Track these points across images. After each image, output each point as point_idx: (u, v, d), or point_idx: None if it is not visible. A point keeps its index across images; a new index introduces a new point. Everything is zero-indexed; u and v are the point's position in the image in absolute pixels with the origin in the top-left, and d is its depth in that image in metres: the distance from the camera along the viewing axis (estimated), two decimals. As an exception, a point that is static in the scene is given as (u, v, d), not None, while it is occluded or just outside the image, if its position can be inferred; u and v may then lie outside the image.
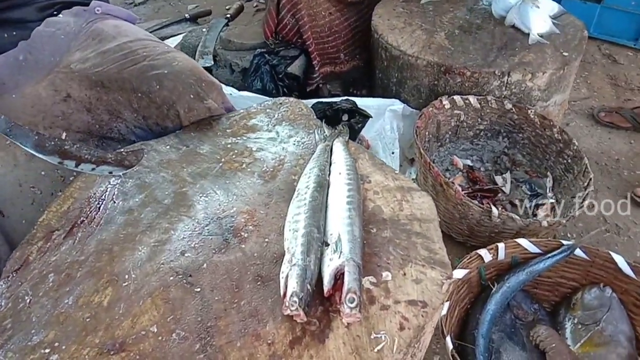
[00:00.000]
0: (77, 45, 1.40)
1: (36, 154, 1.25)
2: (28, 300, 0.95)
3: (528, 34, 2.11)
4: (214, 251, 1.00)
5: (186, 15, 2.95)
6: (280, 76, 2.14)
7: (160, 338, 0.86)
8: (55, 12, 1.43)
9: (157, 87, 1.32)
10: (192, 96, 1.33)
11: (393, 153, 1.98)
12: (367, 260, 0.95)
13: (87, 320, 0.90)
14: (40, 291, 0.96)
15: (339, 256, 0.91)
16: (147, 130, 1.40)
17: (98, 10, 1.47)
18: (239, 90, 2.11)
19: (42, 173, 1.33)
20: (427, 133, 1.93)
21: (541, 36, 2.10)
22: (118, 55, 1.37)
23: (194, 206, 1.10)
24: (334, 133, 1.29)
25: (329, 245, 0.95)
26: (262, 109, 1.41)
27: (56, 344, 0.87)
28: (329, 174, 1.12)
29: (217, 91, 1.40)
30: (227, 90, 2.09)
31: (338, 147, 1.21)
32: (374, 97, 2.22)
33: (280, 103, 1.42)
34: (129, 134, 1.41)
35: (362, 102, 2.05)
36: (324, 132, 1.30)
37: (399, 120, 2.06)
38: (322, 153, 1.19)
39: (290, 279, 0.86)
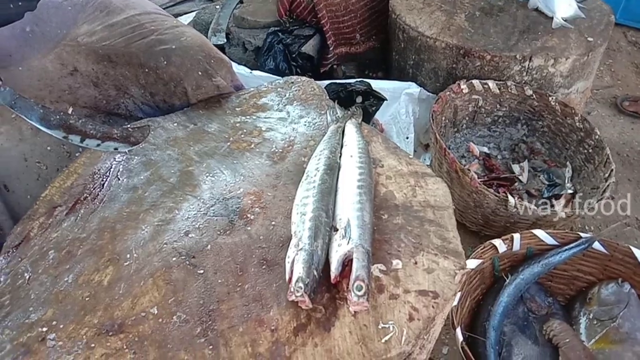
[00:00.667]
0: (84, 18, 1.36)
1: (41, 128, 1.22)
2: (27, 277, 0.93)
3: (552, 18, 2.03)
4: (218, 232, 0.96)
5: (199, -7, 2.89)
6: (294, 56, 2.09)
7: (160, 320, 0.83)
8: None
9: (165, 62, 1.28)
10: (200, 73, 1.29)
11: (407, 138, 1.93)
12: (376, 247, 0.91)
13: (87, 299, 0.88)
14: (40, 268, 0.94)
15: (348, 242, 0.87)
16: (154, 107, 1.36)
17: None
18: (252, 69, 2.06)
19: (48, 148, 1.31)
20: (443, 118, 1.87)
21: (565, 20, 2.02)
22: (126, 28, 1.33)
23: (199, 186, 1.07)
24: (347, 114, 1.24)
25: (337, 230, 0.91)
26: (273, 87, 1.37)
27: (54, 323, 0.85)
28: (340, 157, 1.07)
29: (226, 68, 1.35)
30: (239, 69, 2.05)
31: (350, 129, 1.17)
32: (389, 79, 2.16)
33: (292, 82, 1.38)
34: (136, 110, 1.37)
35: (377, 85, 1.99)
36: (337, 113, 1.25)
37: (414, 104, 2.00)
38: (333, 135, 1.14)
39: (297, 264, 0.83)
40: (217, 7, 2.37)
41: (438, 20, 2.04)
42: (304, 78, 1.40)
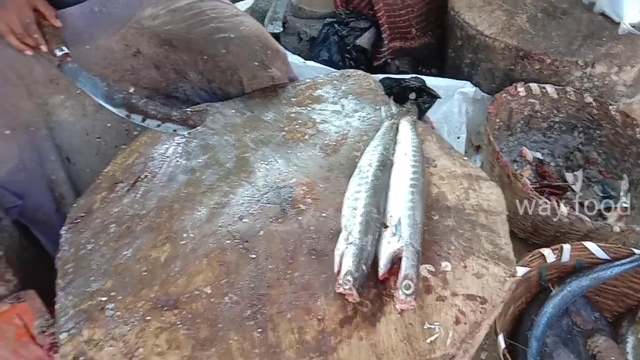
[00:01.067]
0: (148, 1, 1.40)
1: (105, 105, 1.27)
2: (89, 248, 0.98)
3: (618, 23, 1.95)
4: (271, 220, 0.99)
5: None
6: (348, 48, 2.09)
7: (212, 300, 0.86)
8: None
9: (223, 51, 1.31)
10: (256, 63, 1.31)
11: (459, 138, 1.90)
12: (426, 247, 0.91)
13: (144, 274, 0.92)
14: (101, 240, 0.99)
15: (398, 240, 0.88)
16: (211, 94, 1.40)
17: None
18: (305, 59, 2.07)
19: (109, 125, 1.36)
20: (497, 120, 1.83)
21: (633, 26, 1.93)
22: (187, 14, 1.36)
23: (254, 172, 1.10)
24: (402, 111, 1.24)
25: (387, 227, 0.92)
26: (328, 79, 1.38)
27: (113, 294, 0.89)
28: (394, 154, 1.08)
29: (282, 60, 1.37)
30: (294, 58, 2.06)
31: (405, 126, 1.17)
32: (443, 77, 2.13)
33: (348, 75, 1.38)
34: (194, 95, 1.41)
35: (431, 82, 1.97)
36: (391, 109, 1.25)
37: (468, 104, 1.97)
38: (387, 131, 1.14)
39: (346, 257, 0.84)
40: (275, -5, 2.39)
41: (498, 19, 2.00)
42: (360, 72, 1.40)
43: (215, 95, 1.39)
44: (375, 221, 0.91)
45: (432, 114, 1.97)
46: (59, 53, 1.28)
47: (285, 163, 1.11)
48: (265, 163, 1.12)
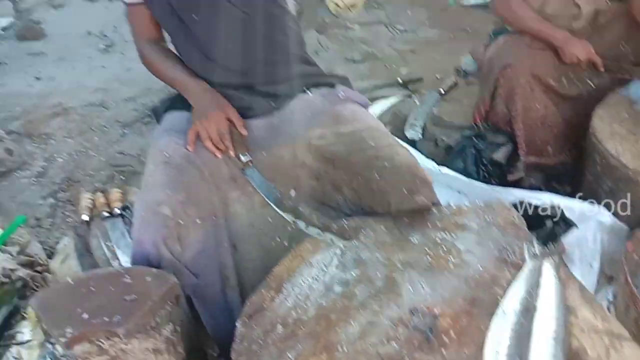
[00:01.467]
0: (318, 123, 1.64)
1: (276, 209, 1.50)
2: (260, 344, 1.15)
3: None
4: (415, 346, 1.09)
5: (398, 79, 3.16)
6: (484, 161, 2.20)
7: (363, 418, 0.98)
8: (305, 89, 1.70)
9: (377, 176, 1.49)
10: (405, 191, 1.47)
11: (591, 266, 1.89)
12: (567, 404, 0.96)
13: (304, 378, 1.06)
14: (269, 339, 1.16)
15: (539, 392, 0.94)
16: (359, 209, 1.57)
17: (342, 95, 1.70)
18: (439, 164, 2.21)
19: (270, 220, 1.58)
20: (636, 257, 1.80)
21: None
22: (350, 139, 1.57)
23: (402, 295, 1.22)
24: (545, 252, 1.31)
25: (529, 376, 0.98)
26: (472, 208, 1.49)
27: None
28: (537, 299, 1.14)
29: (428, 188, 1.52)
30: (428, 163, 2.21)
31: (549, 269, 1.23)
32: (578, 198, 2.14)
33: (492, 207, 1.48)
34: (345, 207, 1.59)
35: (566, 202, 2.00)
36: (534, 248, 1.32)
37: (603, 232, 1.96)
38: (531, 273, 1.22)
39: (488, 401, 0.92)
40: (416, 101, 2.59)
41: (643, 151, 2.00)
42: (503, 203, 1.50)
43: (363, 210, 1.56)
44: (518, 369, 0.98)
45: (565, 236, 1.98)
46: (243, 159, 1.55)
47: (432, 291, 1.22)
48: (412, 287, 1.24)
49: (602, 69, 2.24)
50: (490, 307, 1.15)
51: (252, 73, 1.66)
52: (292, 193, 1.62)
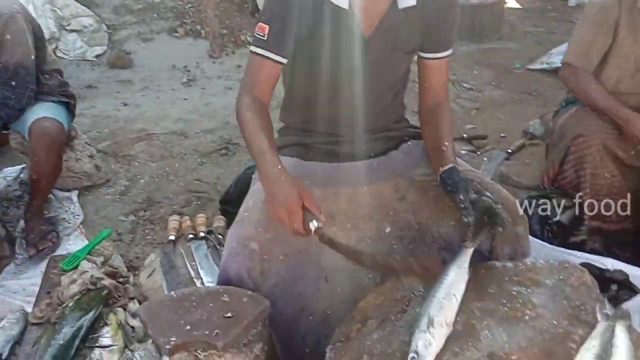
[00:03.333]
0: (423, 163, 1.75)
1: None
2: (347, 370, 1.27)
3: None
4: (494, 389, 1.19)
5: (464, 134, 3.29)
6: (550, 222, 2.27)
7: None
8: (406, 139, 1.85)
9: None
10: (509, 219, 1.56)
11: (654, 335, 1.92)
12: None
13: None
14: (357, 366, 1.27)
15: None
16: (455, 242, 1.64)
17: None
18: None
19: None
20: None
21: None
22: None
23: (480, 340, 1.31)
24: (617, 314, 1.38)
25: None
26: (547, 266, 1.57)
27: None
28: (610, 356, 1.22)
29: (524, 225, 1.63)
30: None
31: (621, 331, 1.30)
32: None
33: (566, 267, 1.57)
34: (440, 241, 1.66)
35: (631, 270, 2.05)
36: (606, 309, 1.40)
37: (667, 302, 1.99)
38: (604, 332, 1.29)
39: None
40: (484, 159, 2.71)
41: None
42: (576, 264, 1.58)
43: (451, 245, 1.64)
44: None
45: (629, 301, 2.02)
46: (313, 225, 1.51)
47: (509, 340, 1.31)
48: (490, 334, 1.33)
49: None
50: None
51: (370, 122, 1.76)
52: (387, 229, 1.71)
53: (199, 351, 1.44)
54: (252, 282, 1.57)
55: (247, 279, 1.56)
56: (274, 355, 1.63)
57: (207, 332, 1.42)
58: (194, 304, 1.52)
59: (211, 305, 1.50)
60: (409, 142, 1.85)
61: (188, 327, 1.44)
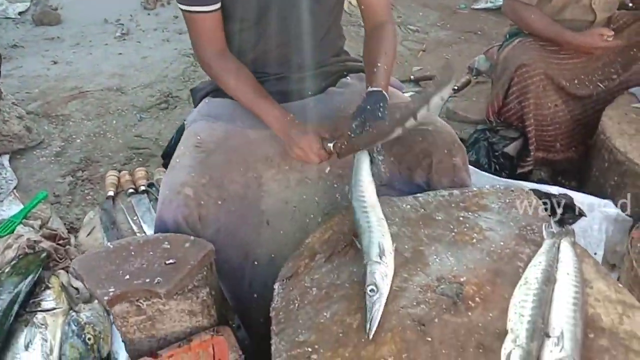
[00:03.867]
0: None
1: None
2: (296, 305, 1.23)
3: None
4: (444, 310, 1.18)
5: (411, 77, 3.26)
6: (496, 154, 2.29)
7: (398, 369, 1.06)
8: (345, 74, 1.79)
9: (420, 139, 1.59)
10: (445, 151, 1.58)
11: (596, 254, 1.99)
12: (584, 362, 1.05)
13: (340, 335, 1.14)
14: (305, 300, 1.24)
15: (560, 350, 1.03)
16: (396, 173, 1.64)
17: None
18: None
19: (304, 197, 1.65)
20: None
21: None
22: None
23: (429, 265, 1.30)
24: (562, 232, 1.40)
25: (549, 337, 1.07)
26: (493, 191, 1.57)
27: (316, 346, 1.12)
28: (556, 271, 1.23)
29: (462, 154, 1.63)
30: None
31: (566, 247, 1.32)
32: (584, 192, 2.23)
33: (512, 190, 1.57)
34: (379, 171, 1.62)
35: (574, 195, 2.09)
36: (551, 227, 1.41)
37: (609, 223, 2.05)
38: (550, 249, 1.30)
39: (513, 357, 1.01)
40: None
41: (650, 148, 2.09)
42: (523, 188, 1.58)
43: (400, 174, 1.64)
44: (540, 330, 1.07)
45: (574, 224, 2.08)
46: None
47: (457, 262, 1.31)
48: (438, 258, 1.32)
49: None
50: (513, 278, 1.23)
51: (307, 57, 1.71)
52: (327, 169, 1.68)
53: (141, 301, 1.36)
54: (191, 229, 1.49)
55: (184, 226, 1.48)
56: (223, 300, 1.58)
57: (147, 280, 1.34)
58: (133, 253, 1.43)
59: (151, 253, 1.42)
60: (347, 77, 1.80)
61: (127, 277, 1.36)
